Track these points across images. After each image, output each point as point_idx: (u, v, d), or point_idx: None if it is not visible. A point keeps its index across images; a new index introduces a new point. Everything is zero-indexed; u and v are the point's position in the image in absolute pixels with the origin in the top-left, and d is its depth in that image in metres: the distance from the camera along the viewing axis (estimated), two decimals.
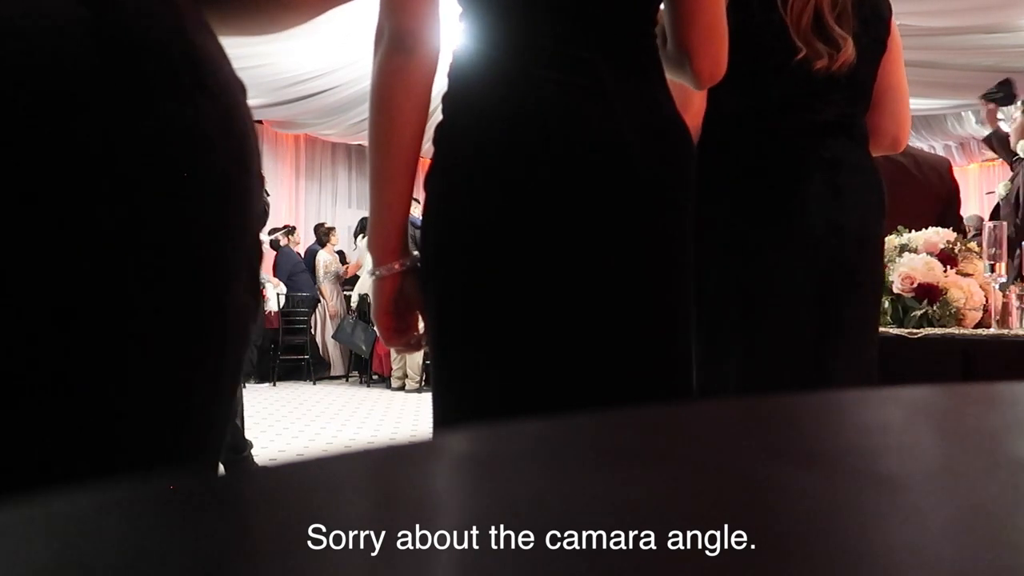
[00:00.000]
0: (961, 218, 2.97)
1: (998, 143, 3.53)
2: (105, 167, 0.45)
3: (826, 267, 1.17)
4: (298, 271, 7.70)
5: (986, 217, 3.39)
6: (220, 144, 0.51)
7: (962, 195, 3.05)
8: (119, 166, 0.46)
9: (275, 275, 7.50)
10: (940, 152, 8.25)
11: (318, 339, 7.67)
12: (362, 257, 7.31)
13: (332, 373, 7.59)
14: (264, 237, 7.90)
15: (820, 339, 1.16)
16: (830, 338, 1.17)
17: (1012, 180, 3.30)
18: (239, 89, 0.56)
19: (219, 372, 0.53)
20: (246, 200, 0.54)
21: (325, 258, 7.71)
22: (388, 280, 0.92)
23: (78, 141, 0.44)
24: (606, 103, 0.86)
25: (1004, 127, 3.67)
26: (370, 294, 0.95)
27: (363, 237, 7.34)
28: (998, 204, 3.35)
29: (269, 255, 7.37)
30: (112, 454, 0.46)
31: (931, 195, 2.69)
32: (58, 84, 0.44)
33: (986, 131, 3.61)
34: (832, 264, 1.17)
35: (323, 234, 7.91)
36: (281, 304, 7.23)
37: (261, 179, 0.58)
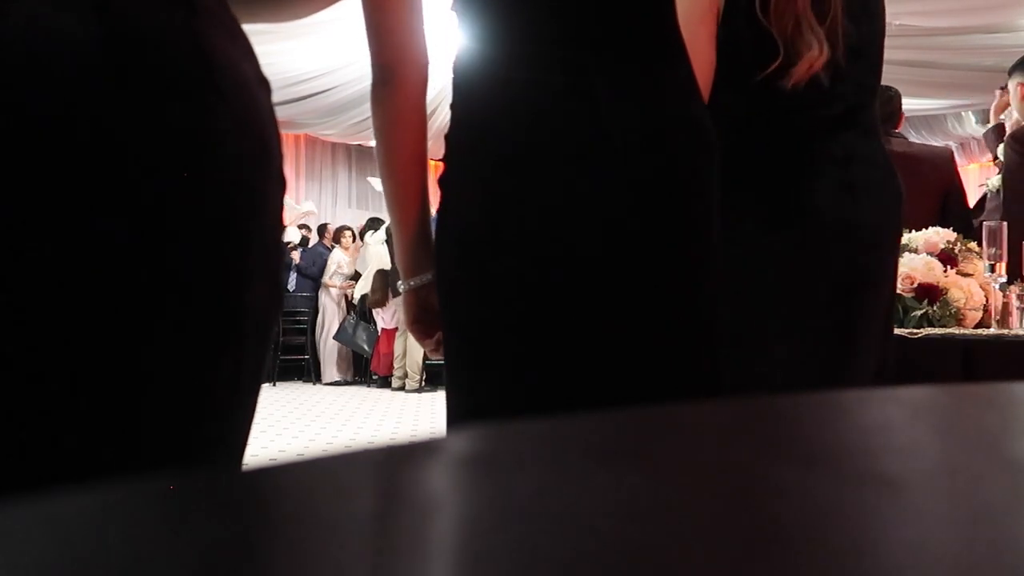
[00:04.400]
0: (967, 209, 2.94)
1: (995, 136, 3.47)
2: (117, 174, 0.45)
3: (839, 270, 1.13)
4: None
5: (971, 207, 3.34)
6: (235, 146, 0.51)
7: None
8: (131, 172, 0.46)
9: (299, 271, 7.55)
10: None
11: (319, 341, 7.51)
12: (368, 256, 7.24)
13: (327, 379, 7.34)
14: (296, 232, 7.86)
15: (832, 346, 1.13)
16: (843, 344, 1.14)
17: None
18: (260, 88, 0.55)
19: (239, 373, 0.53)
20: (264, 201, 0.54)
21: (339, 258, 7.58)
22: (410, 294, 0.99)
23: (89, 150, 0.44)
24: (593, 103, 0.86)
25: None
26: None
27: (372, 234, 7.29)
28: (984, 196, 3.31)
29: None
30: (131, 455, 0.47)
31: (928, 191, 2.67)
32: (67, 96, 0.44)
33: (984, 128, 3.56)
34: (845, 266, 1.14)
35: (337, 234, 7.82)
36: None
37: (283, 181, 0.57)
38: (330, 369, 7.39)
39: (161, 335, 0.47)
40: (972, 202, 3.23)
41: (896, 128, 2.91)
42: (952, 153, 3.17)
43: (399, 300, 6.64)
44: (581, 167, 0.85)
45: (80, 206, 0.44)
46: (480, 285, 0.88)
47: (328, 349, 7.38)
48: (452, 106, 0.92)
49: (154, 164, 0.46)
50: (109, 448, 0.46)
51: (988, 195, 3.25)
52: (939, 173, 2.80)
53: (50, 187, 0.43)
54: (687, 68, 0.92)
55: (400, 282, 1.00)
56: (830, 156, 1.16)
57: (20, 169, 0.42)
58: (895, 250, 1.27)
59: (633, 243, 0.86)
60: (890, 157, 1.24)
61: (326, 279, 7.52)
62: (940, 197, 2.76)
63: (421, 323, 0.99)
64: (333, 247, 7.74)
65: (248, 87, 0.54)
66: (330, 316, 7.47)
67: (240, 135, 0.51)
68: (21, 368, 0.43)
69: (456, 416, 0.91)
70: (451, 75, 0.93)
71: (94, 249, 0.44)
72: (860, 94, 1.22)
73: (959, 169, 3.11)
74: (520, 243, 0.86)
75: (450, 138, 0.91)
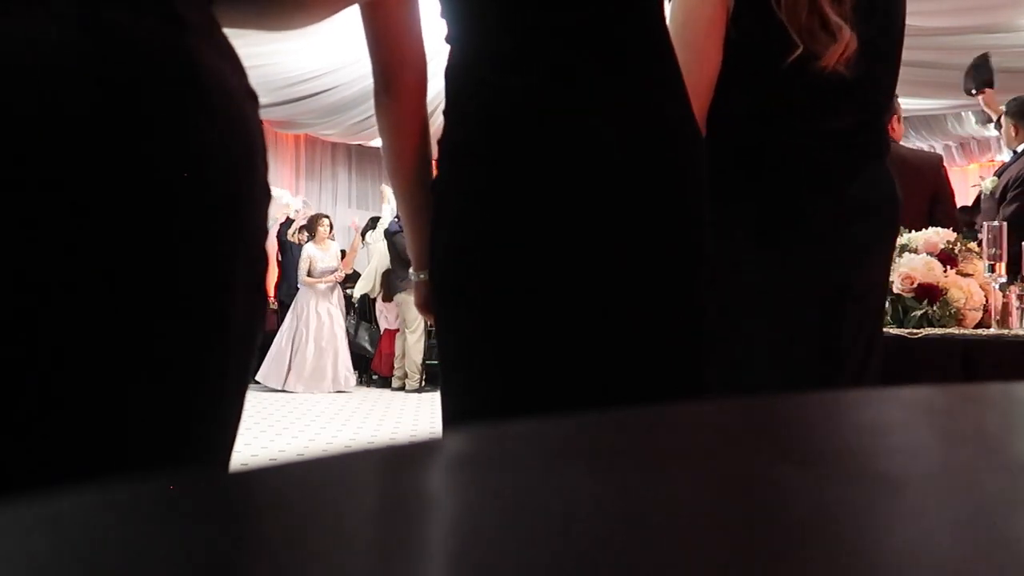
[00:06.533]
0: (954, 215, 2.95)
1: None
2: (105, 187, 0.46)
3: (827, 287, 1.12)
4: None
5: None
6: (223, 161, 0.52)
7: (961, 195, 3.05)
8: (118, 186, 0.46)
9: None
10: (940, 152, 8.20)
11: (281, 340, 6.55)
12: (370, 255, 7.09)
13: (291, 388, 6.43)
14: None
15: (819, 363, 1.12)
16: (830, 360, 1.12)
17: (999, 176, 3.28)
18: (247, 101, 0.57)
19: (224, 378, 0.54)
20: (250, 212, 0.55)
21: (310, 253, 6.71)
22: (420, 285, 1.05)
23: (75, 164, 0.45)
24: (579, 106, 0.85)
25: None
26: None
27: (372, 233, 7.17)
28: (978, 197, 3.32)
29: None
30: (117, 460, 0.47)
31: (915, 195, 2.69)
32: (54, 110, 0.45)
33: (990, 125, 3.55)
34: (834, 284, 1.12)
35: (310, 227, 6.89)
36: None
37: (268, 192, 0.59)
38: (298, 376, 6.50)
39: (147, 343, 0.48)
40: (969, 201, 3.24)
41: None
42: (941, 160, 3.17)
43: (399, 298, 6.63)
44: (568, 171, 0.85)
45: (66, 219, 0.45)
46: (472, 288, 0.88)
47: (303, 354, 6.50)
48: (444, 112, 0.93)
49: (141, 179, 0.47)
50: (95, 452, 0.46)
51: (983, 196, 3.26)
52: (923, 178, 2.82)
53: (37, 199, 0.44)
54: (671, 66, 0.92)
55: (411, 272, 1.07)
56: (831, 173, 1.14)
57: (5, 180, 0.43)
58: (887, 263, 1.26)
59: (622, 245, 0.86)
60: (891, 174, 1.22)
61: (302, 277, 6.67)
62: (926, 201, 2.78)
63: (429, 306, 1.04)
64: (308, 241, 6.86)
65: (237, 102, 0.55)
66: (302, 314, 6.55)
67: (228, 150, 0.53)
68: (6, 373, 0.43)
69: (452, 418, 0.92)
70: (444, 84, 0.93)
71: (81, 260, 0.45)
72: (870, 107, 1.19)
73: (961, 170, 3.13)
74: (510, 247, 0.86)
75: (442, 143, 0.92)
